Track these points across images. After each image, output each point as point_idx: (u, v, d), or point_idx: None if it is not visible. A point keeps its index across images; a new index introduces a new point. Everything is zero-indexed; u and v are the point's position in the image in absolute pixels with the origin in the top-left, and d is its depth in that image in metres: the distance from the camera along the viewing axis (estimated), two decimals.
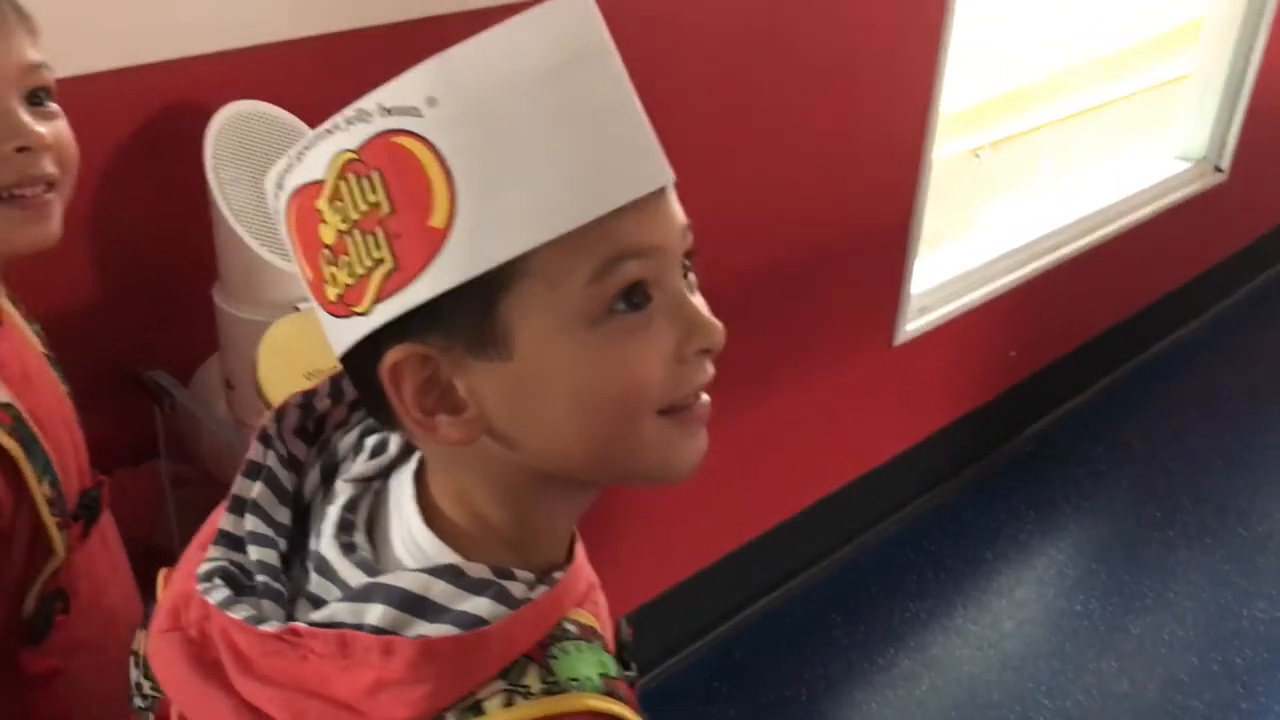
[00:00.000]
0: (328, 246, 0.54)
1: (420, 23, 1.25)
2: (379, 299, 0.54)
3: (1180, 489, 2.64)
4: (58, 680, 0.91)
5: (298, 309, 1.05)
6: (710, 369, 0.59)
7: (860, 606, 2.26)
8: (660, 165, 0.57)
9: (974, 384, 2.55)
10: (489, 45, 0.52)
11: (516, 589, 0.58)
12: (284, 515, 0.65)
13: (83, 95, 1.06)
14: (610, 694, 0.57)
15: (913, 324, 2.22)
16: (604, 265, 0.54)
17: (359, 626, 0.56)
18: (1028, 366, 2.69)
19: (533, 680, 0.55)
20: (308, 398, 0.68)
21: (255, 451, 0.66)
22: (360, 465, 0.65)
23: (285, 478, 0.66)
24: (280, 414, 0.67)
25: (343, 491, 0.64)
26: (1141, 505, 2.60)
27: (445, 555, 0.59)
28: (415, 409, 0.56)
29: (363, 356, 0.57)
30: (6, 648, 0.89)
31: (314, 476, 0.67)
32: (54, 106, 0.87)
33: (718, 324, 0.58)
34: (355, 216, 0.53)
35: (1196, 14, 2.91)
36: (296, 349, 1.00)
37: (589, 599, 0.63)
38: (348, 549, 0.61)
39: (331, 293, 0.55)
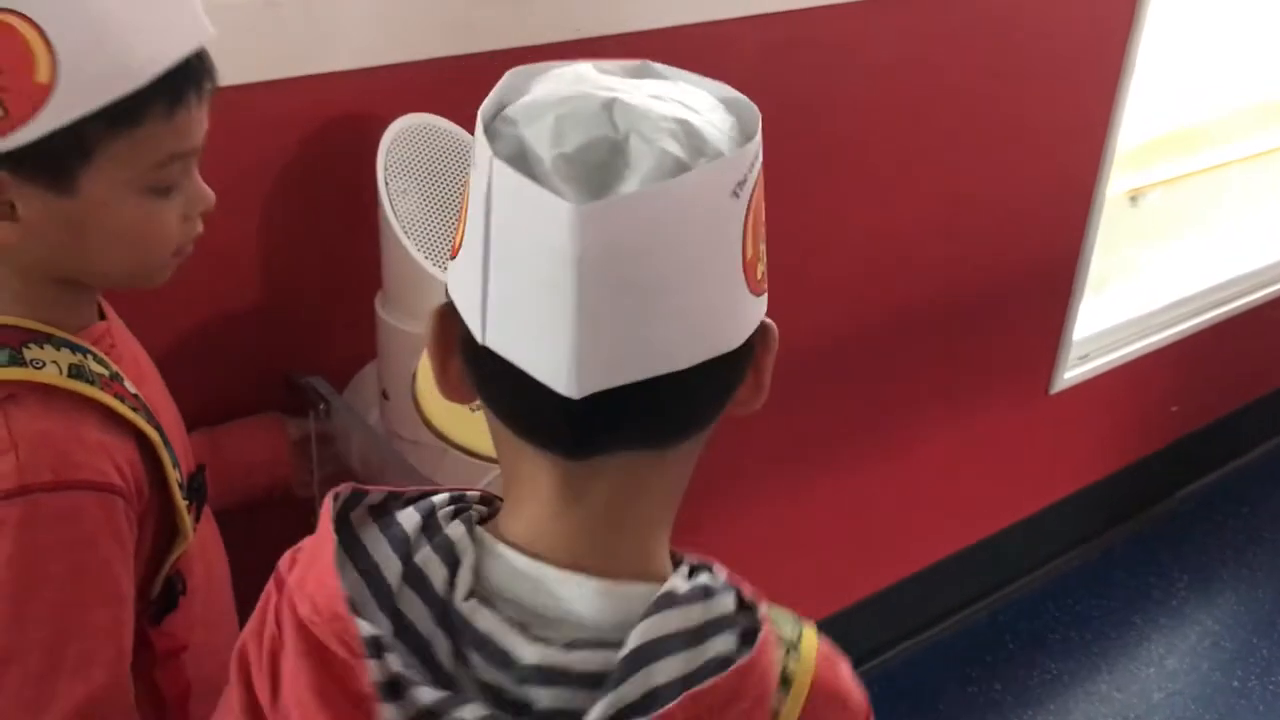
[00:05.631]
0: None
1: (579, 43, 1.26)
2: None
3: None
4: (182, 656, 0.92)
5: None
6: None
7: (998, 663, 2.16)
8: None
9: (1131, 438, 2.42)
10: None
11: None
12: None
13: (261, 101, 1.08)
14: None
15: (1072, 372, 2.13)
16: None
17: None
18: (1190, 422, 2.55)
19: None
20: None
21: None
22: None
23: None
24: None
25: None
26: None
27: None
28: None
29: None
30: (139, 628, 0.90)
31: None
32: None
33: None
34: None
35: None
36: None
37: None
38: None
39: None
